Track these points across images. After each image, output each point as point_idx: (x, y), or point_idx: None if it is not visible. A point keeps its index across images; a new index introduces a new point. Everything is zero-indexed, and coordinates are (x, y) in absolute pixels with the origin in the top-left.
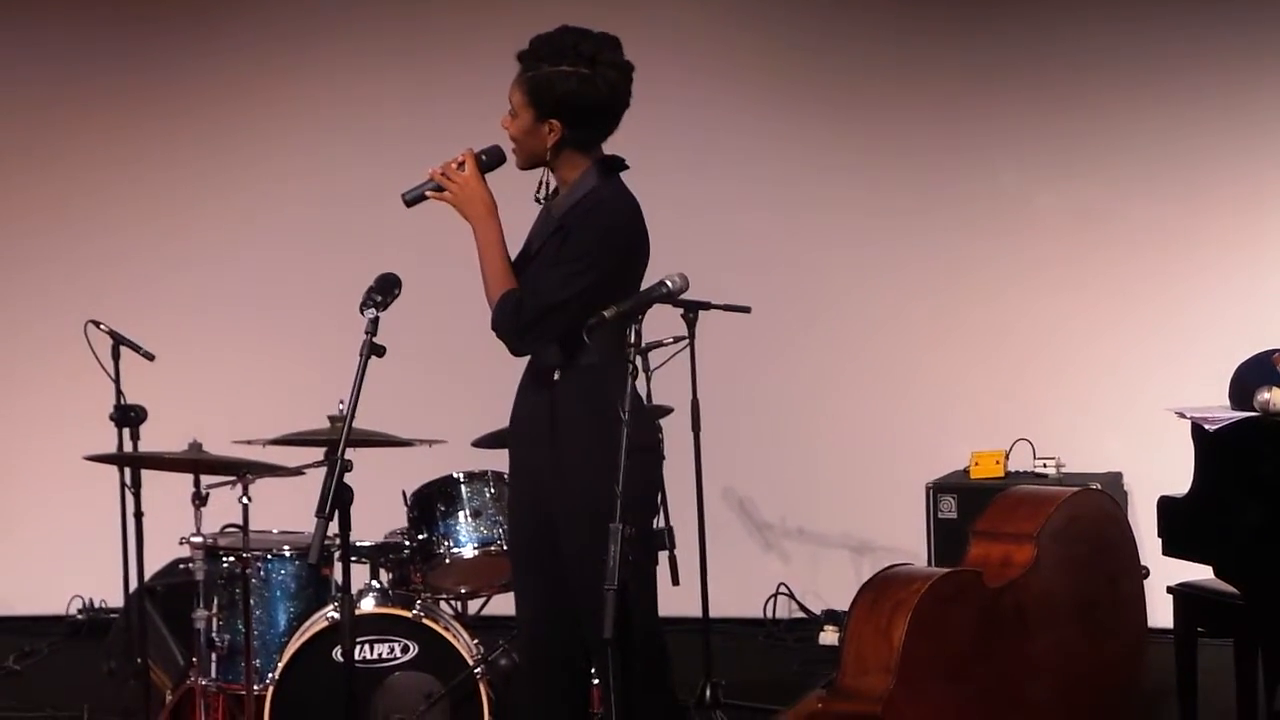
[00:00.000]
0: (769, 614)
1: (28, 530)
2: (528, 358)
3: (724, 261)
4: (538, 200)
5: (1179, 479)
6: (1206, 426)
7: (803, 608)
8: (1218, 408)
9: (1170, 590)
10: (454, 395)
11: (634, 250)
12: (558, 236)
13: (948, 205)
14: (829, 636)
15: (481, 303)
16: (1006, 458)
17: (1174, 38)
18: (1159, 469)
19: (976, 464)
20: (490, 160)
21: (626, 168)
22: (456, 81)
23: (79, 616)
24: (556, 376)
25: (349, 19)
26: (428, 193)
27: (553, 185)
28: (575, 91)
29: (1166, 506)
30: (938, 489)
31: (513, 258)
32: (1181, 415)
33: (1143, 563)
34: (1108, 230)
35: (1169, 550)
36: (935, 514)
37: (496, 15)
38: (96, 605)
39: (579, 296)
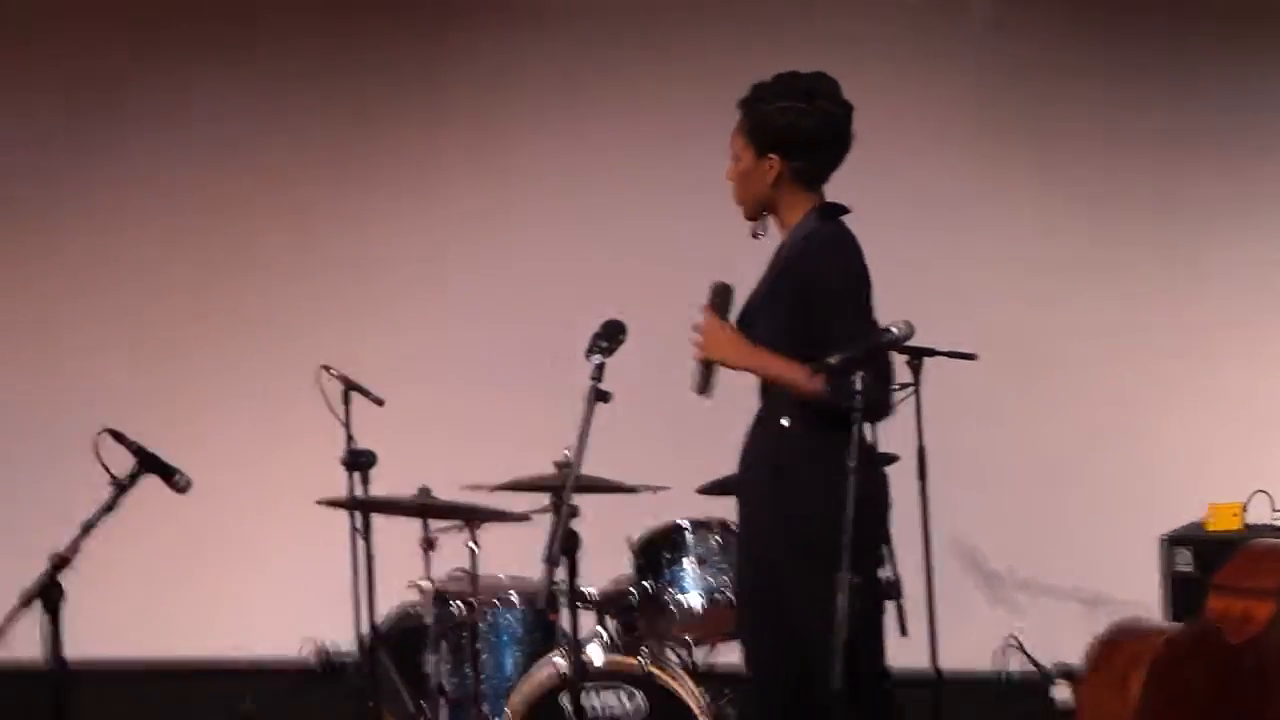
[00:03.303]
0: (999, 667)
1: (261, 573)
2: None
3: (949, 309)
4: (754, 237)
5: None
6: None
7: (1034, 661)
8: None
9: None
10: (679, 442)
11: (867, 282)
12: (787, 278)
13: (1182, 259)
14: (1062, 691)
15: None
16: (1244, 510)
17: None
18: None
19: (1213, 516)
20: (720, 298)
21: (847, 211)
22: (689, 131)
23: (311, 660)
24: (786, 423)
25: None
26: (700, 368)
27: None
28: (793, 124)
29: None
30: (1173, 541)
31: (745, 305)
32: None
33: None
34: None
35: None
36: (1171, 567)
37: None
38: (328, 649)
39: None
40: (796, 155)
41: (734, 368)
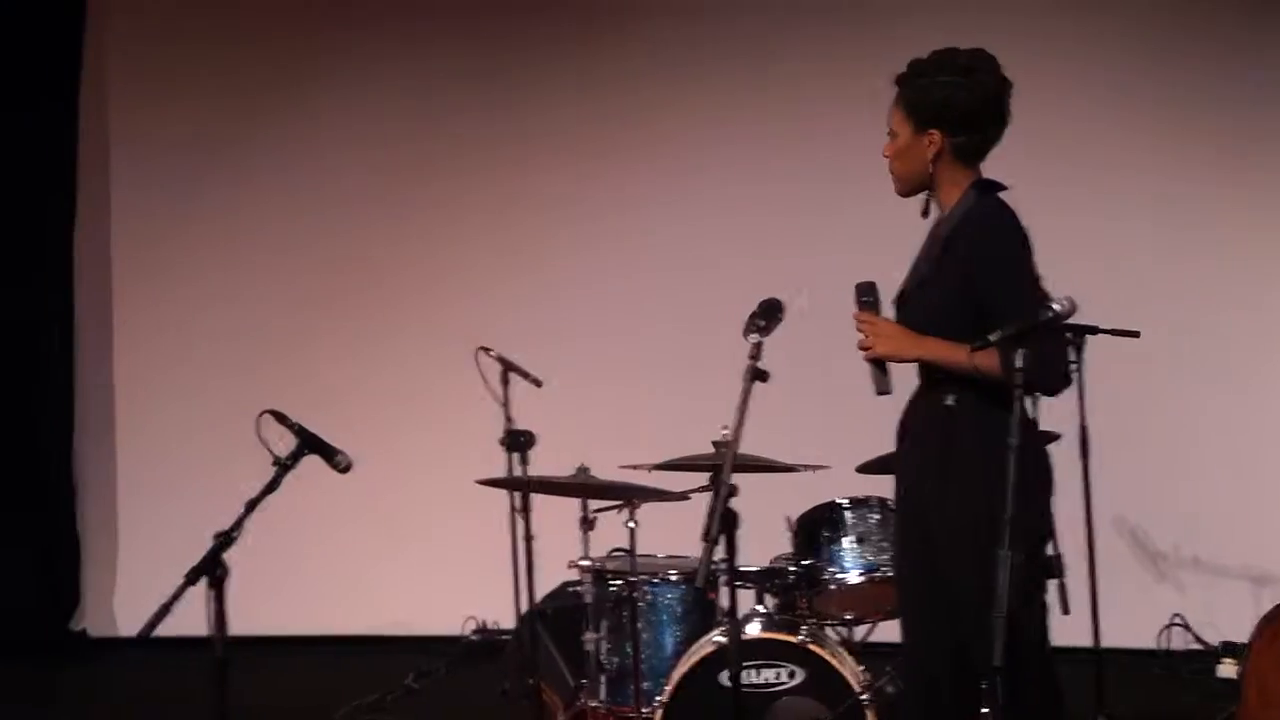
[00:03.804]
0: (1163, 645)
1: (423, 553)
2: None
3: (1110, 285)
4: (924, 216)
5: None
6: None
7: (1199, 639)
8: None
9: None
10: (837, 420)
11: (1030, 258)
12: (949, 255)
13: None
14: (1227, 670)
15: None
16: None
17: None
18: None
19: None
20: (869, 296)
21: (1005, 188)
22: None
23: (473, 637)
24: (951, 402)
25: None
26: (874, 369)
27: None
28: (952, 97)
29: None
30: None
31: (902, 286)
32: None
33: None
34: None
35: None
36: None
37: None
38: (489, 626)
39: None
40: (957, 130)
41: (903, 360)
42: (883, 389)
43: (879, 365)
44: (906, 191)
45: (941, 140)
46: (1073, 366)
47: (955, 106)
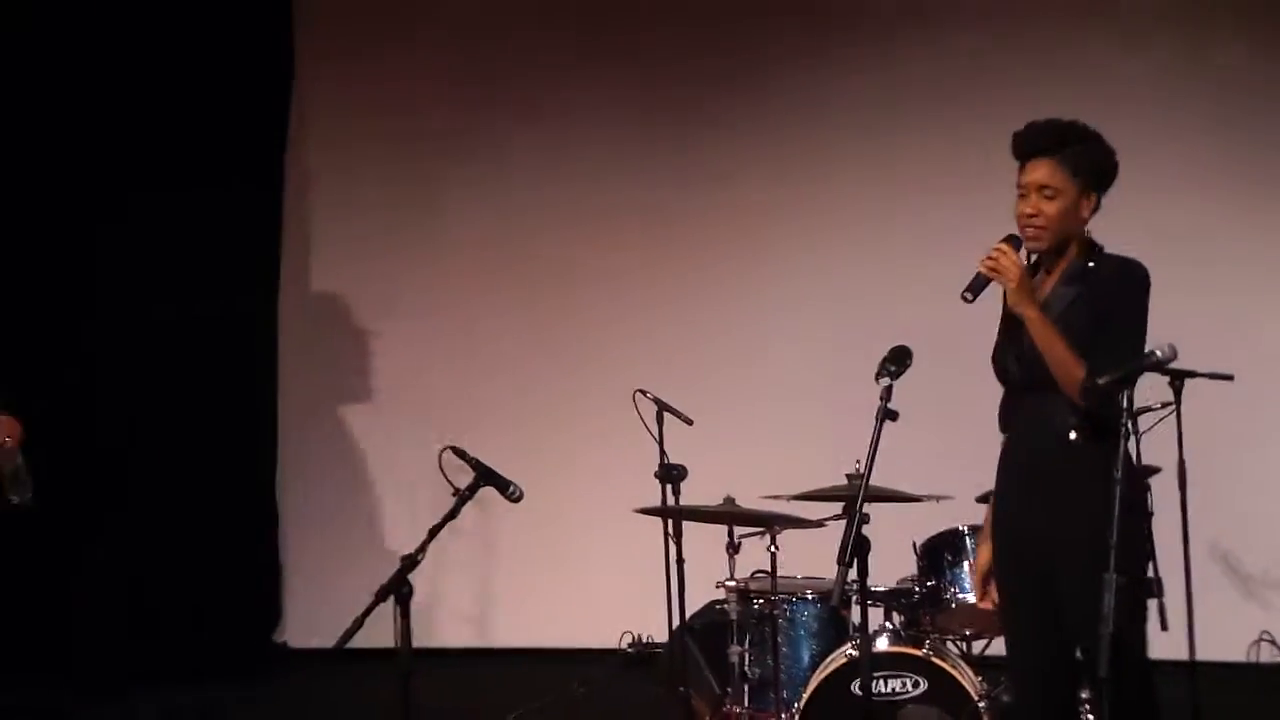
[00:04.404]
0: (1251, 658)
1: (586, 573)
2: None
3: (1208, 332)
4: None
5: None
6: None
7: None
8: None
9: None
10: (960, 454)
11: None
12: (1082, 302)
13: None
14: None
15: (986, 367)
16: None
17: None
18: None
19: None
20: (1014, 243)
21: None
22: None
23: (629, 650)
24: (1073, 436)
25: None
26: (977, 279)
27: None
28: (1111, 165)
29: None
30: None
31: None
32: None
33: None
34: None
35: None
36: None
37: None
38: (644, 640)
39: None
40: (1104, 194)
41: (1008, 294)
42: (969, 292)
43: (984, 281)
44: (1051, 246)
45: (1096, 201)
46: (1171, 408)
47: (1111, 174)
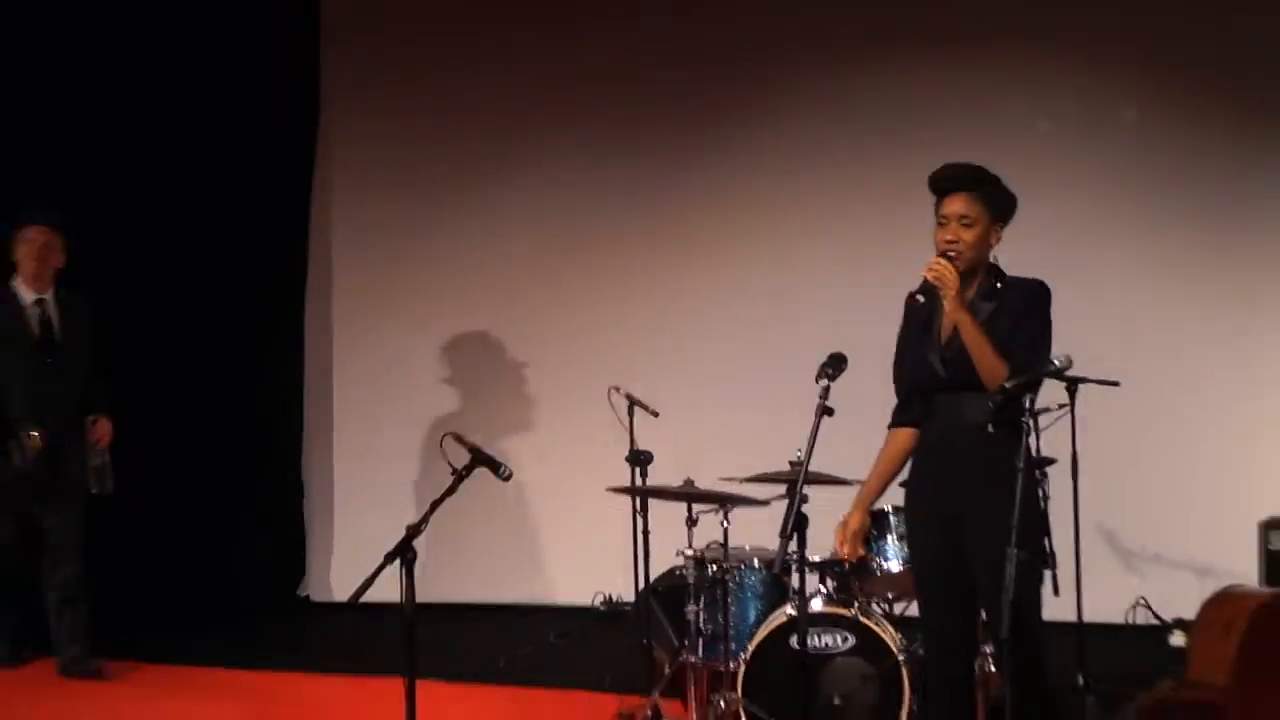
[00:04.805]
0: (1129, 620)
1: (565, 541)
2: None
3: (1100, 343)
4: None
5: None
6: None
7: (1157, 616)
8: None
9: None
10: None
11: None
12: (1001, 308)
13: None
14: (1178, 639)
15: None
16: None
17: None
18: None
19: None
20: (951, 255)
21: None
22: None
23: (601, 607)
24: (991, 429)
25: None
26: (924, 283)
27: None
28: (1013, 203)
29: None
30: (1269, 525)
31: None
32: None
33: None
34: None
35: None
36: (1267, 546)
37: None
38: (614, 599)
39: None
40: (1006, 225)
41: (947, 302)
42: (923, 296)
43: (929, 286)
44: (968, 268)
45: (999, 232)
46: (1066, 408)
47: (1012, 210)
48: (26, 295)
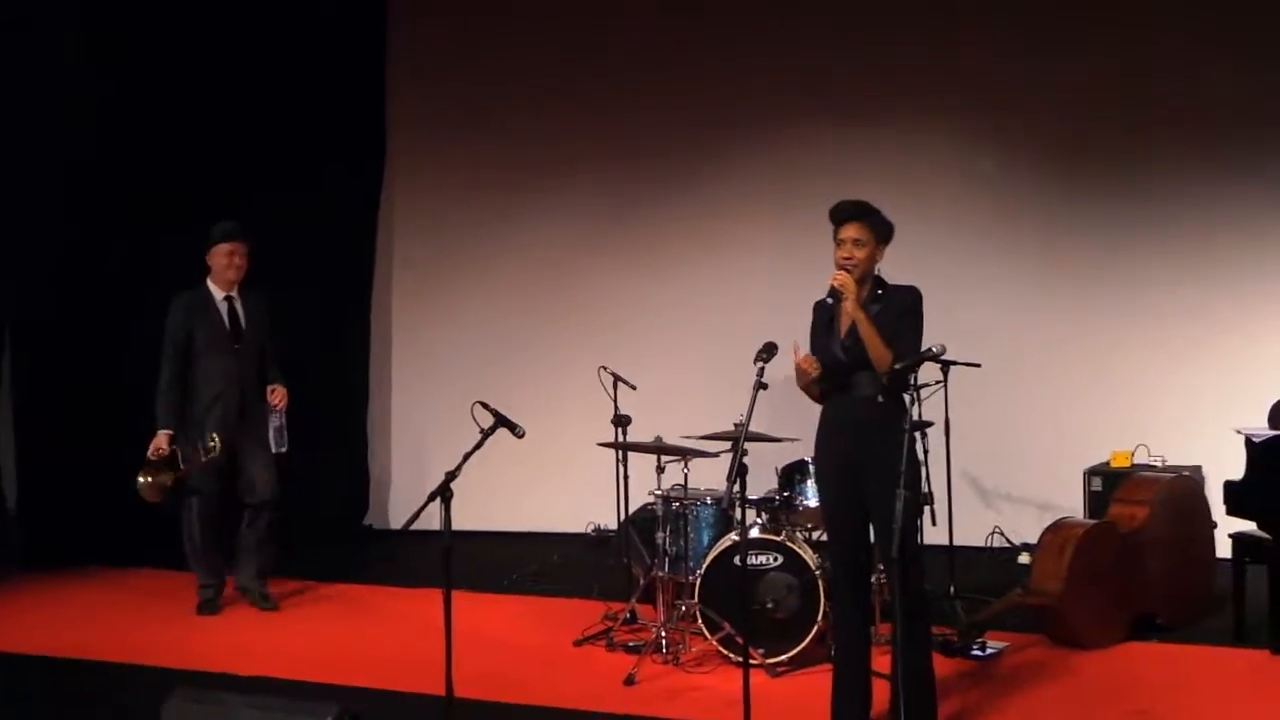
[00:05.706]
0: (988, 544)
1: (565, 483)
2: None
3: (965, 335)
4: (832, 301)
5: (1237, 470)
6: (1254, 439)
7: (1009, 541)
8: (1262, 428)
9: (1231, 536)
10: (806, 411)
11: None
12: (886, 309)
13: (1109, 293)
14: (1025, 559)
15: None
16: (1132, 455)
17: None
18: (1226, 464)
19: (1114, 458)
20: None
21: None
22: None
23: (592, 533)
24: (880, 400)
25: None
26: (832, 289)
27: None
28: (891, 229)
29: (1229, 487)
30: (1090, 473)
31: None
32: (1239, 432)
33: (1213, 519)
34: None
35: (1230, 512)
36: (1089, 488)
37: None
38: (602, 528)
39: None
40: (887, 246)
41: (848, 303)
42: (833, 299)
43: (836, 293)
44: (860, 278)
45: (883, 251)
46: (940, 383)
47: (891, 235)
48: (218, 294)
